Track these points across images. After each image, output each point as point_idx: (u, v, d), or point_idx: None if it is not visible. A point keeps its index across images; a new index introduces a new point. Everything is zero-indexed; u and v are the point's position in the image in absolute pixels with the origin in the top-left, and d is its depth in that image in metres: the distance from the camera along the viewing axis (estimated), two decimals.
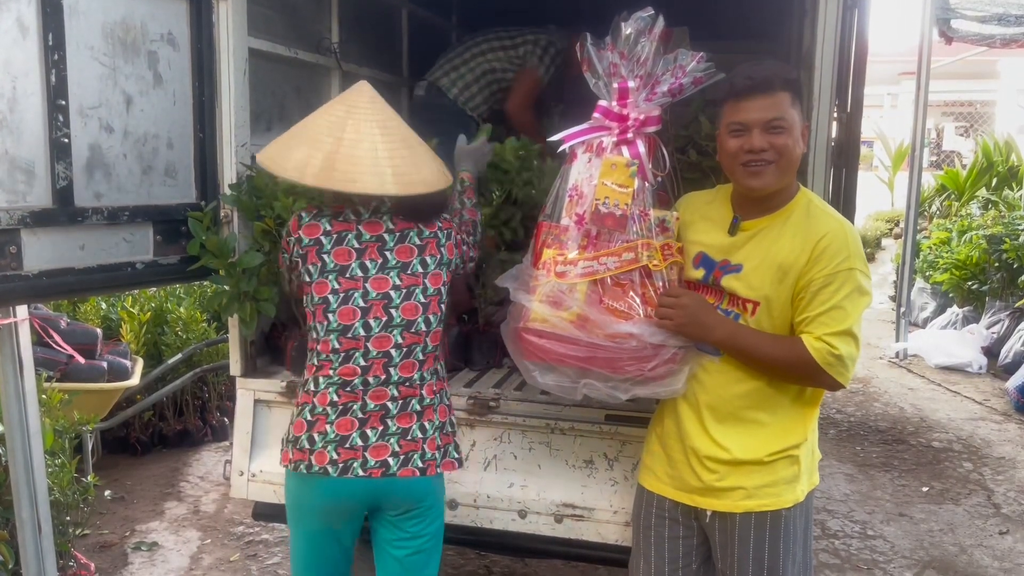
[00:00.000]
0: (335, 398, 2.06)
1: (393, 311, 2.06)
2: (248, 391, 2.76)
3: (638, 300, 1.92)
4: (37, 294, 2.35)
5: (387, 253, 2.08)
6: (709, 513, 1.99)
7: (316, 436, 2.06)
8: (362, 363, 2.05)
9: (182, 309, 5.07)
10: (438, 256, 2.13)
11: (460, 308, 2.94)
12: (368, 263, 2.06)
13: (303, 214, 2.11)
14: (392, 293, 2.06)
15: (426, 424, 2.11)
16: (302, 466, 2.06)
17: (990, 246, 7.64)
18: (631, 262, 1.93)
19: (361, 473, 2.05)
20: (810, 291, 1.85)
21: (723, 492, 1.96)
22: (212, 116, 2.64)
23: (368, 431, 2.06)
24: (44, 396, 3.45)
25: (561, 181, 2.08)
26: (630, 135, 2.01)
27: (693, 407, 1.98)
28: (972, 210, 10.26)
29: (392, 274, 2.06)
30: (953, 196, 11.23)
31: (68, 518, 3.38)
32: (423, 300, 2.09)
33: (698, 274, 1.99)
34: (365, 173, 1.95)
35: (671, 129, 2.78)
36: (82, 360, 4.13)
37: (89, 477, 3.65)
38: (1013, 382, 6.09)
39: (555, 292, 1.94)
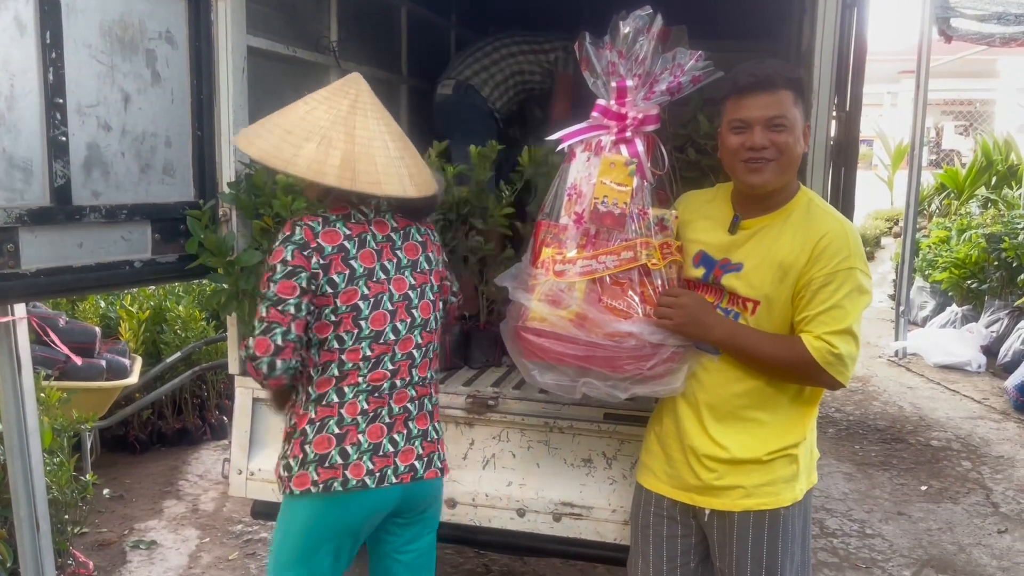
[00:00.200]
0: (365, 406, 1.97)
1: (414, 312, 2.02)
2: (247, 389, 2.76)
3: (637, 299, 1.92)
4: (35, 292, 2.34)
5: (399, 252, 2.02)
6: (708, 512, 1.99)
7: (349, 449, 1.95)
8: (390, 367, 1.99)
9: (181, 307, 5.07)
10: (435, 253, 2.12)
11: (469, 309, 2.95)
12: (387, 264, 1.99)
13: (311, 223, 1.91)
14: (411, 293, 2.01)
15: (436, 424, 2.13)
16: (335, 484, 1.93)
17: (989, 245, 7.64)
18: (630, 261, 1.93)
19: (394, 480, 1.99)
20: (810, 290, 1.85)
21: (722, 491, 1.96)
22: (210, 114, 2.64)
23: (396, 436, 2.01)
24: (42, 394, 3.45)
25: (560, 180, 2.08)
26: (629, 134, 2.01)
27: (692, 406, 1.98)
28: (971, 209, 10.26)
29: (407, 274, 2.02)
30: (952, 195, 11.24)
31: (67, 516, 3.38)
32: (431, 298, 2.07)
33: (698, 273, 1.99)
34: (385, 174, 1.87)
35: (670, 128, 2.78)
36: (79, 360, 4.12)
37: (88, 475, 3.65)
38: (1012, 381, 6.09)
39: (554, 291, 1.94)
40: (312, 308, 1.91)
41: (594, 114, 2.05)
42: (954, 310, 7.78)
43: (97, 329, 4.50)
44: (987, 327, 7.25)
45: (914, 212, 7.12)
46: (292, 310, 1.87)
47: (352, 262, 1.92)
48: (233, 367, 2.77)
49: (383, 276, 1.97)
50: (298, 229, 1.89)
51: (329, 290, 1.90)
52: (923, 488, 4.66)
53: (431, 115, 4.10)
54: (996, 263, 7.54)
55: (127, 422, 4.74)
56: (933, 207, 11.39)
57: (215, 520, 4.05)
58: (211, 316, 5.16)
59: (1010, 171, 10.95)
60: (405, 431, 2.02)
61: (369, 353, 1.95)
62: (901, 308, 7.39)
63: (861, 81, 2.79)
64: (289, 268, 1.86)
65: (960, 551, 3.93)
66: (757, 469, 1.94)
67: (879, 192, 14.50)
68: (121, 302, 5.08)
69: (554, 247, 2.00)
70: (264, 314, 1.86)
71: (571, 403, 2.45)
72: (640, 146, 2.01)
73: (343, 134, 1.86)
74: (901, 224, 8.66)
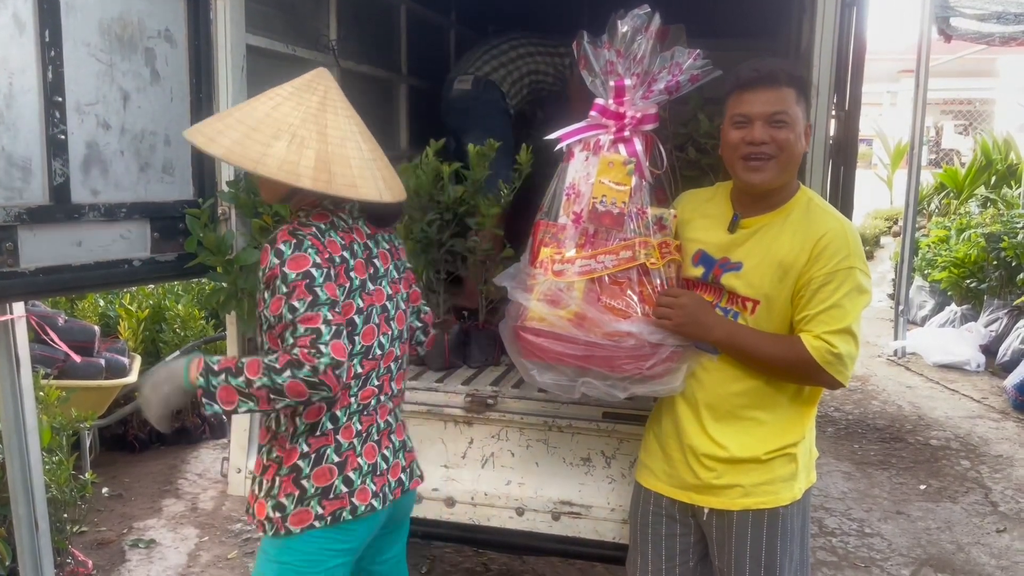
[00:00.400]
0: (359, 427, 1.86)
1: (392, 324, 1.92)
2: None
3: (636, 298, 1.92)
4: (34, 291, 2.34)
5: (376, 262, 1.90)
6: (706, 511, 1.99)
7: (352, 475, 1.84)
8: (376, 383, 1.89)
9: (180, 306, 5.07)
10: (402, 260, 2.04)
11: (469, 304, 2.95)
12: (371, 273, 1.88)
13: (312, 232, 1.76)
14: (388, 304, 1.91)
15: (407, 433, 2.07)
16: (344, 514, 1.82)
17: (989, 244, 7.64)
18: (629, 260, 1.93)
19: (391, 498, 1.92)
20: (810, 289, 1.85)
21: (720, 490, 1.96)
22: (210, 113, 2.63)
23: (385, 452, 1.93)
24: (41, 393, 3.45)
25: (558, 179, 2.07)
26: (627, 133, 2.01)
27: (691, 405, 1.98)
28: (971, 208, 10.28)
29: (383, 284, 1.91)
30: (952, 194, 11.25)
31: (65, 515, 3.38)
32: (403, 307, 1.98)
33: (697, 272, 1.99)
34: (360, 176, 1.74)
35: (670, 127, 2.78)
36: (78, 359, 4.12)
37: (87, 474, 3.65)
38: (1011, 380, 6.09)
39: (553, 290, 1.94)
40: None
41: (592, 113, 2.04)
42: (953, 309, 7.79)
43: (96, 328, 4.50)
44: (986, 326, 7.25)
45: (913, 211, 7.12)
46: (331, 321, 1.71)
47: (351, 273, 1.80)
48: None
49: (371, 287, 1.86)
50: (305, 240, 1.73)
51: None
52: (922, 487, 4.66)
53: (433, 112, 4.10)
54: (995, 262, 7.55)
55: (126, 421, 4.74)
56: (932, 206, 11.40)
57: (214, 519, 4.05)
58: (210, 315, 5.16)
59: (1009, 170, 10.96)
60: (390, 445, 1.95)
61: (360, 371, 1.84)
62: (900, 307, 7.40)
63: (860, 80, 2.78)
64: (325, 270, 1.72)
65: (959, 550, 3.93)
66: (756, 468, 1.94)
67: (878, 191, 14.50)
68: (120, 301, 5.08)
69: (553, 247, 2.00)
70: (328, 317, 1.68)
71: (570, 402, 2.45)
72: (638, 145, 2.00)
73: (315, 133, 1.72)
74: (900, 223, 8.67)
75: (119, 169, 2.41)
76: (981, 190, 10.87)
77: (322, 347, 1.66)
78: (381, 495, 1.89)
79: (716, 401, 1.95)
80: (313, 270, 1.70)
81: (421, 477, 2.08)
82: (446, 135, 3.86)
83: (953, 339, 7.19)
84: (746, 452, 1.93)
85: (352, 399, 1.84)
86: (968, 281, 7.87)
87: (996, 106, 15.30)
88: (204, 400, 1.67)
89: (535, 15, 4.22)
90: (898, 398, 6.32)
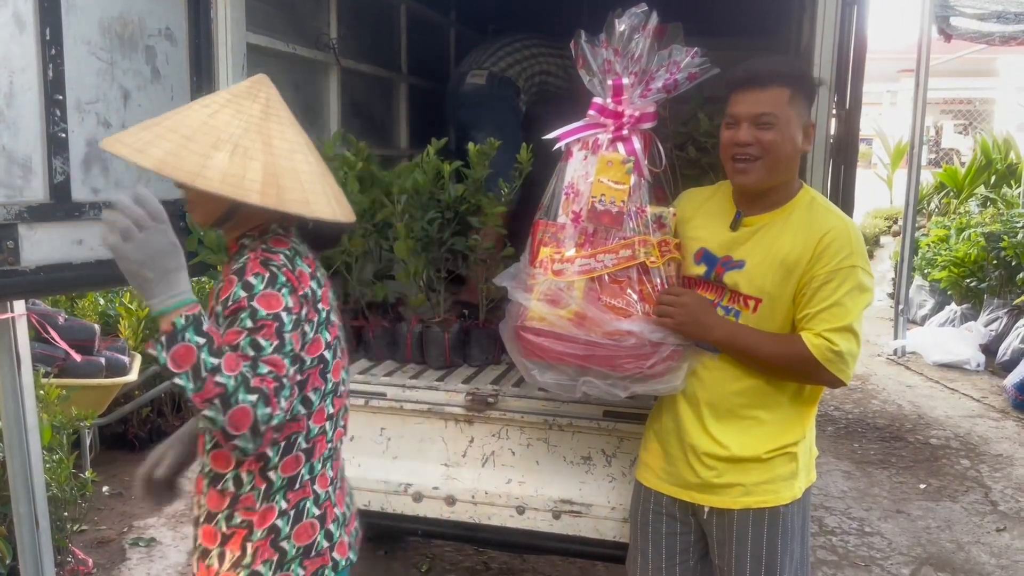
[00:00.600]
0: (331, 473, 1.69)
1: (342, 353, 1.72)
2: None
3: (636, 297, 1.92)
4: (35, 289, 2.35)
5: (329, 290, 1.72)
6: (707, 509, 1.99)
7: (332, 528, 1.68)
8: (341, 422, 1.73)
9: None
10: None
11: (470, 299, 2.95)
12: (333, 304, 1.70)
13: (279, 265, 1.54)
14: (340, 335, 1.72)
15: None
16: (326, 571, 1.66)
17: (988, 244, 7.65)
18: (628, 259, 1.93)
19: (356, 545, 1.77)
20: (811, 288, 1.85)
21: (721, 489, 1.96)
22: None
23: (347, 498, 1.77)
24: (42, 392, 3.45)
25: (557, 179, 2.07)
26: (625, 132, 2.01)
27: (692, 404, 1.98)
28: (971, 208, 10.28)
29: (335, 313, 1.72)
30: (952, 194, 11.25)
31: (66, 514, 3.38)
32: (340, 334, 1.76)
33: (699, 270, 1.99)
34: (312, 192, 1.54)
35: (670, 125, 2.78)
36: (78, 357, 4.12)
37: (87, 473, 3.64)
38: (1011, 379, 6.10)
39: (553, 290, 1.94)
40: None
41: (590, 112, 2.04)
42: (953, 309, 7.79)
43: (96, 326, 4.50)
44: (986, 326, 7.25)
45: (913, 211, 7.12)
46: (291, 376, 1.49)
47: (319, 305, 1.61)
48: None
49: (333, 319, 1.67)
50: (279, 275, 1.52)
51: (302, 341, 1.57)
52: (922, 486, 4.66)
53: (433, 111, 4.09)
54: (995, 262, 7.55)
55: (126, 419, 4.74)
56: (932, 206, 11.40)
57: None
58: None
59: (1009, 170, 10.96)
60: (343, 484, 1.78)
61: (332, 410, 1.67)
62: (900, 306, 7.40)
63: (861, 79, 2.78)
64: (295, 316, 1.51)
65: (959, 549, 3.94)
66: (757, 467, 1.94)
67: (878, 191, 14.49)
68: (120, 299, 5.08)
69: (552, 246, 2.00)
70: (290, 373, 1.48)
71: (570, 401, 2.45)
72: (637, 144, 2.00)
73: (259, 143, 1.52)
74: (900, 223, 8.66)
75: (119, 167, 2.41)
76: (981, 189, 10.88)
77: (282, 400, 1.45)
78: (355, 546, 1.75)
79: (717, 400, 1.95)
80: (284, 314, 1.49)
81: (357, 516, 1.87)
82: (453, 129, 3.84)
83: (953, 338, 7.19)
84: (747, 451, 1.93)
85: (328, 443, 1.67)
86: (968, 280, 7.87)
87: (996, 106, 15.31)
88: (160, 339, 1.40)
89: (535, 15, 4.22)
90: (898, 397, 6.32)
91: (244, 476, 1.60)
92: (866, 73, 2.82)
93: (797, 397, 1.95)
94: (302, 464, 1.62)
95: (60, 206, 2.23)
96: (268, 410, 1.42)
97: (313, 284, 1.59)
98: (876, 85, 14.73)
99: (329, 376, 1.64)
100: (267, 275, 1.51)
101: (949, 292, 8.18)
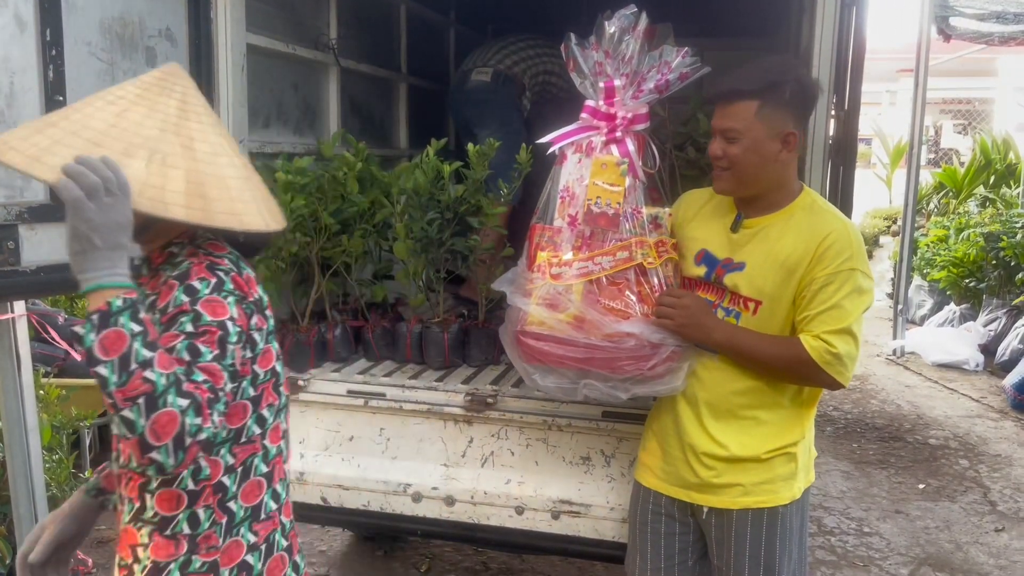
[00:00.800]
0: (288, 496, 1.55)
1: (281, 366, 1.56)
2: None
3: (634, 299, 1.92)
4: (35, 290, 2.35)
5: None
6: (706, 509, 2.00)
7: (298, 559, 1.54)
8: (289, 438, 1.58)
9: None
10: None
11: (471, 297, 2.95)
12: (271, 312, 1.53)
13: (226, 270, 1.38)
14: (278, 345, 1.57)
15: None
16: None
17: (988, 244, 7.65)
18: (626, 261, 1.93)
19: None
20: (811, 290, 1.85)
21: (720, 489, 1.96)
22: None
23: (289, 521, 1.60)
24: (42, 392, 3.45)
25: (552, 183, 2.07)
26: (619, 134, 2.01)
27: (691, 404, 1.99)
28: (970, 208, 10.29)
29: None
30: (951, 194, 11.26)
31: None
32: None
33: (700, 271, 1.99)
34: (241, 201, 1.36)
35: (669, 126, 2.78)
36: (78, 357, 4.12)
37: (87, 473, 3.65)
38: (1010, 379, 6.10)
39: (551, 294, 1.94)
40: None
41: (583, 115, 2.04)
42: (952, 309, 7.79)
43: None
44: (985, 326, 7.26)
45: (912, 211, 7.11)
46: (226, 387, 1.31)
47: (267, 312, 1.45)
48: None
49: (274, 326, 1.52)
50: (227, 281, 1.36)
51: (250, 354, 1.39)
52: (921, 486, 4.67)
53: (433, 111, 4.09)
54: (994, 262, 7.55)
55: None
56: (931, 206, 11.41)
57: None
58: None
59: (1008, 170, 10.97)
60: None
61: (285, 426, 1.52)
62: (899, 307, 7.39)
63: (860, 79, 2.78)
64: (240, 330, 1.34)
65: (957, 549, 3.94)
66: (756, 467, 1.94)
67: (878, 191, 14.51)
68: None
69: (549, 250, 2.00)
70: (227, 388, 1.30)
71: (570, 401, 2.45)
72: (631, 145, 2.01)
73: (179, 147, 1.33)
74: (899, 223, 8.67)
75: None
76: (980, 190, 10.89)
77: (215, 414, 1.25)
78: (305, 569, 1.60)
79: (716, 400, 1.95)
80: (229, 323, 1.33)
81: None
82: (456, 126, 3.83)
83: (952, 338, 7.20)
84: (746, 451, 1.93)
85: (285, 464, 1.52)
86: (967, 280, 7.88)
87: (995, 105, 15.31)
88: (91, 318, 1.22)
89: (535, 15, 4.22)
90: (897, 397, 6.32)
91: (201, 512, 1.40)
92: (865, 73, 2.83)
93: (796, 397, 1.96)
94: (264, 490, 1.46)
95: (60, 207, 2.21)
96: (199, 420, 1.21)
97: (259, 290, 1.44)
98: (875, 85, 14.73)
99: (281, 391, 1.50)
100: (214, 280, 1.34)
101: (948, 292, 8.18)
